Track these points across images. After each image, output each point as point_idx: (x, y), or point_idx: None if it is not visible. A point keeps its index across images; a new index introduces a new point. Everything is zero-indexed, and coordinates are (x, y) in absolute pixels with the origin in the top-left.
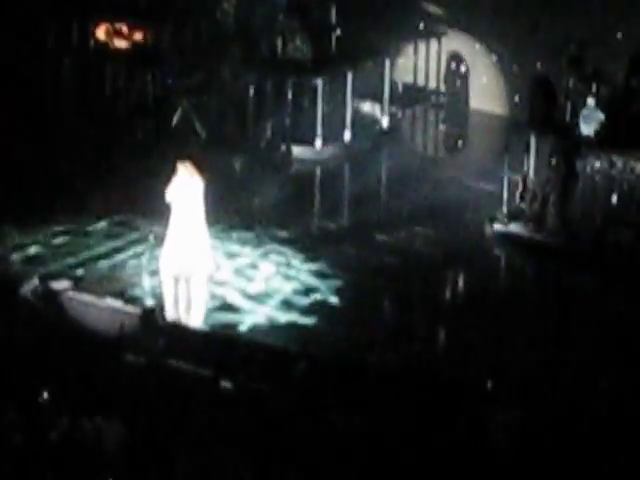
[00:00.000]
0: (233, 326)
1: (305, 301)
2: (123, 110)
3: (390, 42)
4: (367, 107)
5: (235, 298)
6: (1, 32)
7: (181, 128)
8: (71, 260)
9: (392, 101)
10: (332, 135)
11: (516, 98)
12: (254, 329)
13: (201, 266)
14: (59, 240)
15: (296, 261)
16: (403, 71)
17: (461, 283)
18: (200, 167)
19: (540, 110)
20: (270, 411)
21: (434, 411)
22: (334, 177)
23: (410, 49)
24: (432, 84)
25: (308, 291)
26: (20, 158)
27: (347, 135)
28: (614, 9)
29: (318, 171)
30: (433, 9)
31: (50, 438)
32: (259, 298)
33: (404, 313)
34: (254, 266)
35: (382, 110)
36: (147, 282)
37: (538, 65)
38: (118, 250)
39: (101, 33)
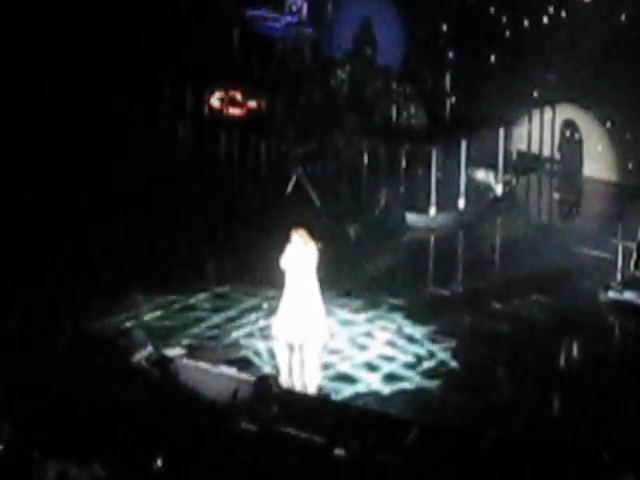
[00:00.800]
0: (346, 394)
1: (418, 369)
2: (237, 177)
3: (504, 110)
4: (481, 174)
5: (348, 366)
6: (117, 97)
7: (295, 195)
8: (185, 327)
9: (506, 169)
10: (446, 202)
11: (629, 165)
12: (367, 397)
13: (315, 334)
14: (173, 307)
15: (409, 329)
16: (517, 139)
17: (575, 351)
18: (314, 234)
19: None
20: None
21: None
22: (448, 244)
23: (524, 117)
24: (546, 152)
25: (421, 359)
26: (131, 223)
27: (461, 203)
28: None
29: (432, 238)
30: (547, 77)
31: None
32: (372, 366)
33: (518, 381)
34: (368, 334)
35: (496, 178)
36: (261, 349)
37: None
38: (232, 318)
39: (215, 100)
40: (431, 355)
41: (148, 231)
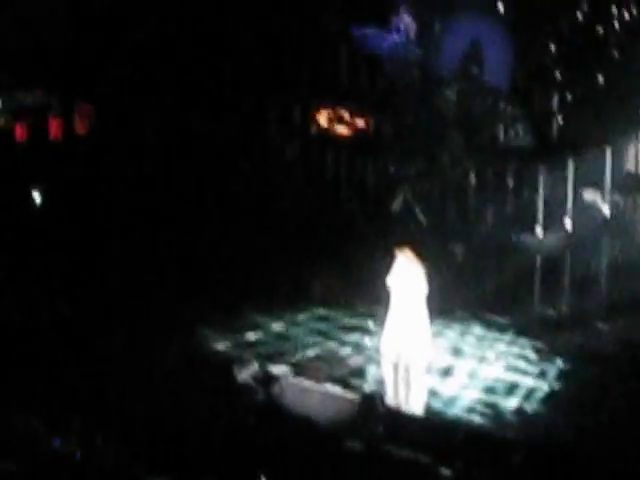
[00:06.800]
0: (452, 413)
1: (523, 388)
2: (344, 196)
3: (612, 130)
4: (589, 195)
5: (454, 386)
6: (223, 114)
7: (402, 215)
8: (290, 345)
9: (613, 189)
10: (554, 223)
11: None
12: (473, 416)
13: (421, 353)
14: (279, 325)
15: (516, 347)
16: (625, 159)
17: None
18: (420, 254)
19: None
20: None
21: None
22: (555, 265)
23: (633, 137)
24: None
25: (527, 378)
26: (239, 241)
27: (569, 223)
28: None
29: (539, 259)
30: None
31: None
32: (478, 386)
33: (623, 403)
34: (474, 354)
35: (604, 198)
36: (367, 368)
37: None
38: (337, 336)
39: (323, 119)
40: (538, 375)
41: (255, 249)
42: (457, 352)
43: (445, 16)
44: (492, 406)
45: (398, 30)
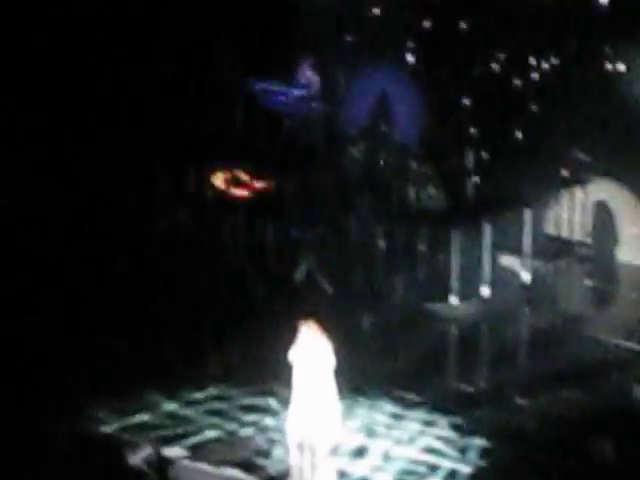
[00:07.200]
0: None
1: (443, 469)
2: (242, 264)
3: (531, 190)
4: (506, 260)
5: (363, 468)
6: (113, 178)
7: (305, 283)
8: (186, 427)
9: (534, 254)
10: (469, 290)
11: None
12: None
13: (327, 433)
14: (173, 405)
15: (433, 426)
16: (545, 222)
17: (609, 452)
18: (326, 325)
19: None
20: None
21: None
22: (471, 336)
23: (553, 198)
24: (577, 235)
25: (445, 458)
26: (126, 315)
27: (485, 290)
28: None
29: (454, 329)
30: (578, 155)
31: None
32: (390, 467)
33: None
34: (387, 433)
35: (523, 264)
36: (270, 450)
37: None
38: (236, 416)
39: (219, 180)
40: (458, 455)
41: (145, 323)
42: (369, 432)
43: (351, 70)
44: None
45: (301, 85)
